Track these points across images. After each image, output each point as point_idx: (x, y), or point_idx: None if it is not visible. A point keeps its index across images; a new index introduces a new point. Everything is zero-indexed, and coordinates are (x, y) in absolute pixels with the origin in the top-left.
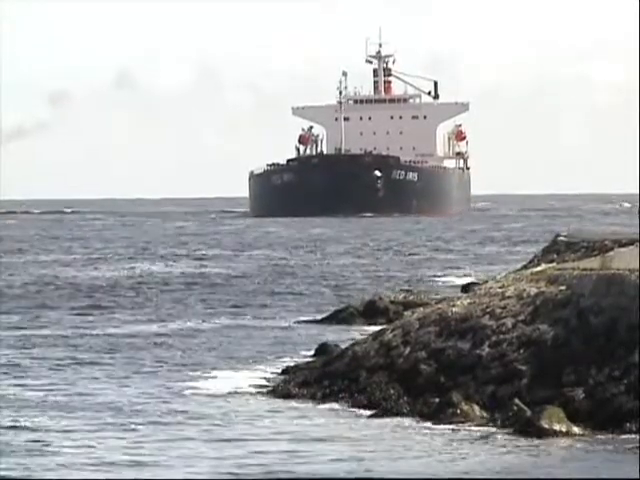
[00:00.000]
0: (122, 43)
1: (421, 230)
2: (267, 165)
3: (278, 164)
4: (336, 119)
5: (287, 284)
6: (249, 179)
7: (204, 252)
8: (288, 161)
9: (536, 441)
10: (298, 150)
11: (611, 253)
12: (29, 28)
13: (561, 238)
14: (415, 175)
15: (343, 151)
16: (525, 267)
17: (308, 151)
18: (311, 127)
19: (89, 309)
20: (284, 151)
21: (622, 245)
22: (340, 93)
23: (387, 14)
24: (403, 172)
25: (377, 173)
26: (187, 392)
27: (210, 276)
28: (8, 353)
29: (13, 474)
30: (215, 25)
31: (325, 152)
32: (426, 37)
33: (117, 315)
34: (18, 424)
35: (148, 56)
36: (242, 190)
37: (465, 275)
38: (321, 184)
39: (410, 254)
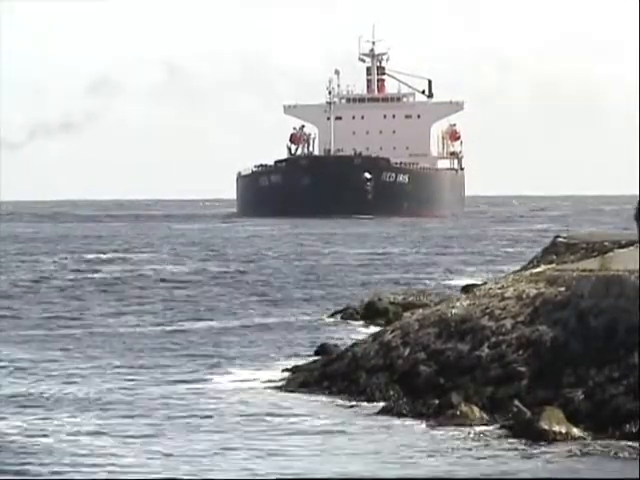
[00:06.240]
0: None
1: (415, 231)
2: (255, 166)
3: (266, 165)
4: (328, 118)
5: (286, 284)
6: (236, 180)
7: (205, 253)
8: (276, 162)
9: (535, 442)
10: (289, 149)
11: (610, 254)
12: (77, 21)
13: (560, 239)
14: (406, 177)
15: (333, 151)
16: (524, 268)
17: (300, 150)
18: (303, 126)
19: (93, 307)
20: (278, 150)
21: (621, 246)
22: (330, 93)
23: (382, 12)
24: (393, 174)
25: (367, 175)
26: (185, 393)
27: (208, 277)
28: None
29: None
30: (211, 22)
31: (316, 152)
32: (421, 35)
33: (118, 315)
34: (27, 425)
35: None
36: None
37: (464, 276)
38: (309, 186)
39: (408, 255)
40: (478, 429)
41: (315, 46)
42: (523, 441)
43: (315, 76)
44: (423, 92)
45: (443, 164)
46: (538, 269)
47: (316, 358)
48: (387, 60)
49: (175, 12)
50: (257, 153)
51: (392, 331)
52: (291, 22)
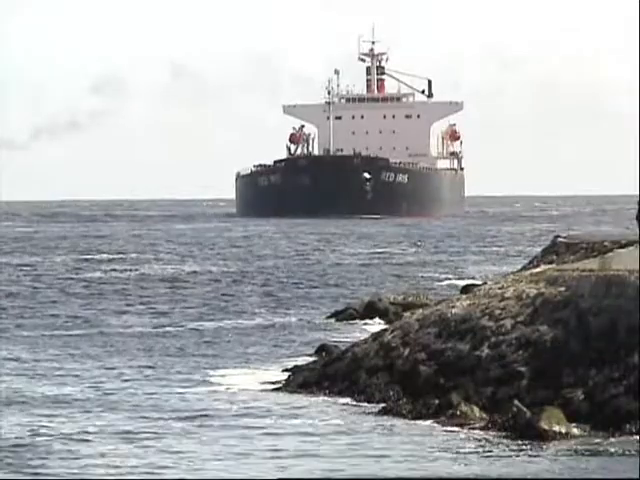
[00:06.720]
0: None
1: (415, 231)
2: (254, 166)
3: (265, 165)
4: (327, 118)
5: (286, 284)
6: (236, 180)
7: (205, 253)
8: (275, 162)
9: (535, 442)
10: (289, 149)
11: (610, 254)
12: (81, 20)
13: (560, 239)
14: (405, 177)
15: (332, 151)
16: (524, 268)
17: (299, 150)
18: (302, 126)
19: (94, 307)
20: (278, 150)
21: (621, 246)
22: (329, 92)
23: (382, 12)
24: (393, 174)
25: (366, 175)
26: (185, 393)
27: (208, 277)
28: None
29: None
30: (213, 22)
31: (316, 152)
32: (421, 35)
33: (119, 315)
34: (27, 425)
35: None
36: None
37: (464, 276)
38: (308, 186)
39: (407, 255)
40: (478, 429)
41: (315, 46)
42: (523, 441)
43: (315, 76)
44: (423, 92)
45: (443, 164)
46: (538, 269)
47: (316, 358)
48: (387, 60)
49: (178, 12)
50: (258, 153)
51: (392, 331)
52: (291, 22)
